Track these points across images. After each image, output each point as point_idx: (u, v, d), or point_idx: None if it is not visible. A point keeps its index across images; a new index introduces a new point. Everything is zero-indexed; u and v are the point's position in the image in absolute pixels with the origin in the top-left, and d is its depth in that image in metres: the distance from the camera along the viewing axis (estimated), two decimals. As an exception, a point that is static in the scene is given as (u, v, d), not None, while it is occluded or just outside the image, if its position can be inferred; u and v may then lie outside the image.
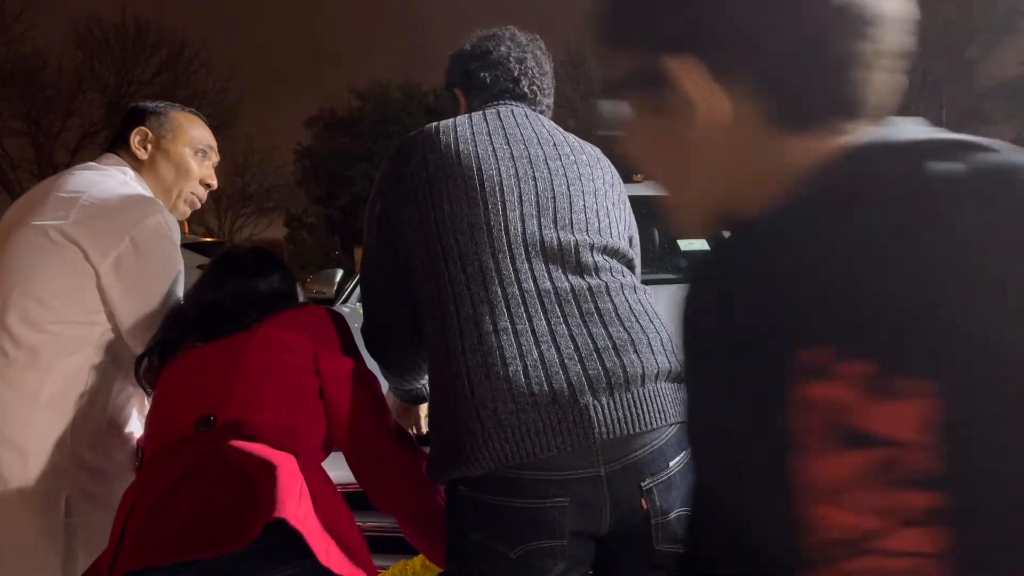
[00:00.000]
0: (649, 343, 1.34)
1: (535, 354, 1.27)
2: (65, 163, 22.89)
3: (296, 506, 1.23)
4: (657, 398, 1.31)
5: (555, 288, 1.33)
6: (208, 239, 19.50)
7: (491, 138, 1.43)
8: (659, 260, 3.79)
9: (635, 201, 4.68)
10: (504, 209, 1.36)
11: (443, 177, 1.38)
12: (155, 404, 1.50)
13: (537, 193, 1.39)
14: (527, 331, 1.29)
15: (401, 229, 1.42)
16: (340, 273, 4.05)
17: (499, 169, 1.39)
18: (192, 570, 1.16)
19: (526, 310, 1.30)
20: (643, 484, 1.29)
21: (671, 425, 1.33)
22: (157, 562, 1.17)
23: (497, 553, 1.28)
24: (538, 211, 1.38)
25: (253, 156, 33.74)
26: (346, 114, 32.63)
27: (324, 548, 1.22)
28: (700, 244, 3.60)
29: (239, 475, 1.27)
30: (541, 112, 1.63)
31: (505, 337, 1.28)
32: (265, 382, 1.43)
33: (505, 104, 1.56)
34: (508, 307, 1.30)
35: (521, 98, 1.59)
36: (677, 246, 3.81)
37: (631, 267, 1.52)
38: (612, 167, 1.59)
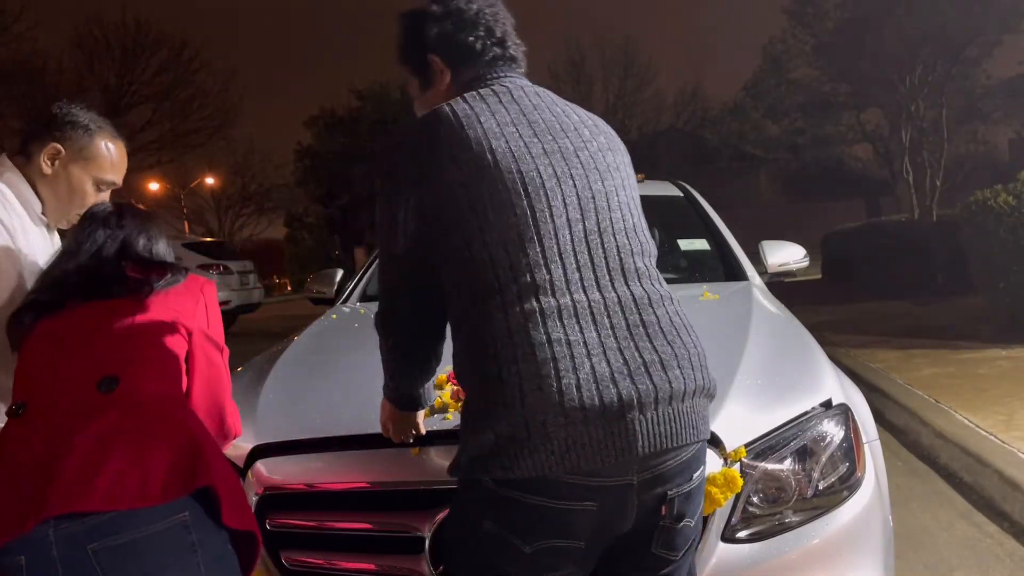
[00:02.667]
0: (689, 358, 1.34)
1: (587, 367, 1.25)
2: (65, 163, 22.88)
3: (218, 471, 1.41)
4: (692, 414, 1.33)
5: (604, 298, 1.31)
6: (208, 239, 19.51)
7: (518, 130, 1.36)
8: (659, 260, 3.78)
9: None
10: (551, 216, 1.32)
11: (480, 180, 1.30)
12: (33, 357, 1.54)
13: (578, 194, 1.35)
14: (580, 343, 1.27)
15: (432, 236, 1.35)
16: (340, 273, 4.05)
17: (538, 170, 1.33)
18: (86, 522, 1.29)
19: (578, 321, 1.28)
20: (669, 493, 1.31)
21: (700, 442, 1.36)
22: (90, 507, 1.29)
23: (511, 546, 1.27)
24: (582, 214, 1.35)
25: (253, 156, 33.78)
26: (346, 114, 32.60)
27: (231, 511, 1.40)
28: (700, 244, 3.59)
29: (175, 437, 1.41)
30: (521, 63, 1.54)
31: (558, 348, 1.26)
32: (160, 348, 1.55)
33: (505, 77, 1.47)
34: (561, 318, 1.28)
35: (512, 61, 1.51)
36: (677, 246, 3.80)
37: (655, 260, 1.50)
38: (612, 132, 1.53)
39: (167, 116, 25.85)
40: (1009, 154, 23.40)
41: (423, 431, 1.66)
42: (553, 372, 1.24)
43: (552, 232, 1.31)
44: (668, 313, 1.37)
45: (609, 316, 1.31)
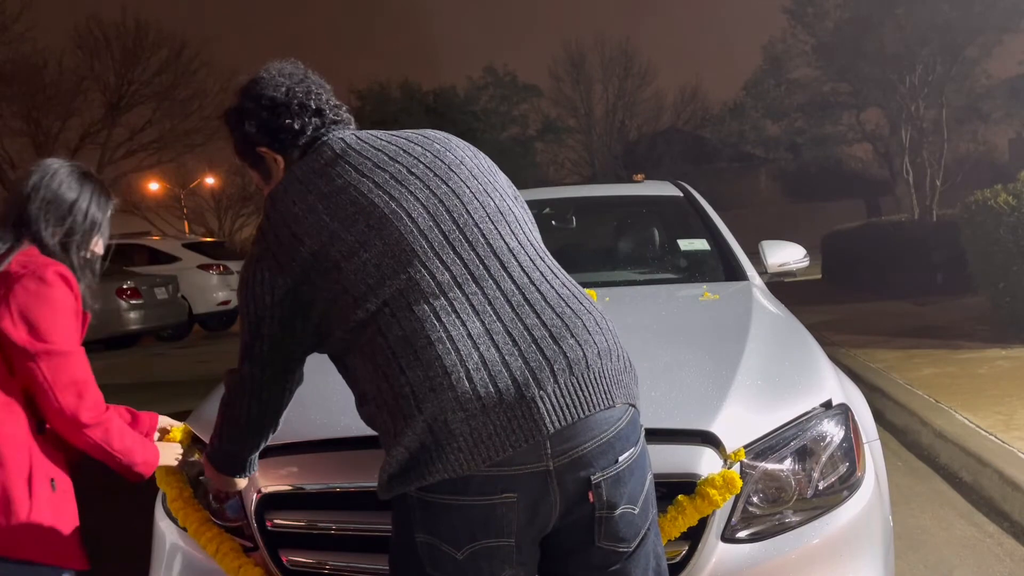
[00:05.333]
0: (584, 325, 1.34)
1: (475, 357, 1.26)
2: (65, 163, 22.85)
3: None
4: (602, 380, 1.32)
5: (481, 289, 1.32)
6: (208, 239, 19.49)
7: (346, 178, 1.40)
8: (659, 260, 3.79)
9: (635, 201, 4.65)
10: (401, 235, 1.34)
11: (327, 241, 1.35)
12: None
13: (423, 204, 1.37)
14: (463, 336, 1.28)
15: (301, 309, 1.38)
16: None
17: (374, 203, 1.36)
18: None
19: (458, 316, 1.29)
20: (593, 478, 1.29)
21: (616, 408, 1.32)
22: None
23: (444, 555, 1.28)
24: (434, 220, 1.36)
25: (253, 156, 33.66)
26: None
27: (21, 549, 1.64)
28: (700, 244, 3.59)
29: None
30: (347, 124, 1.56)
31: (441, 346, 1.27)
32: None
33: (325, 138, 1.49)
34: (439, 318, 1.29)
35: (334, 125, 1.53)
36: (677, 246, 3.80)
37: (533, 229, 1.49)
38: (448, 136, 1.54)
39: (167, 116, 25.80)
40: (1009, 154, 23.38)
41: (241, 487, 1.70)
42: (441, 370, 1.25)
43: (408, 249, 1.33)
44: (553, 287, 1.38)
45: (491, 303, 1.31)
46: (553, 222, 3.96)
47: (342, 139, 1.49)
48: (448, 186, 1.41)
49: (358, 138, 1.49)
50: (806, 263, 3.63)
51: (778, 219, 25.78)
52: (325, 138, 1.50)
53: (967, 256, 7.59)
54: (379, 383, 1.32)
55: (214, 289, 13.48)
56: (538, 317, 1.32)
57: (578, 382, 1.29)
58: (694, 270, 3.52)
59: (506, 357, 1.27)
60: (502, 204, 1.44)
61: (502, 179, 1.52)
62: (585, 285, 3.05)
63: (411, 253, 1.33)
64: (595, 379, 1.31)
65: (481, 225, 1.38)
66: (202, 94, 26.24)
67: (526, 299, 1.33)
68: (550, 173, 34.97)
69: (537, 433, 1.24)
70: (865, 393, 2.27)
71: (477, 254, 1.35)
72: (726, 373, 1.91)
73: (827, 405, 1.85)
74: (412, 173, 1.41)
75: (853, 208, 26.41)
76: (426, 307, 1.30)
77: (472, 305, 1.31)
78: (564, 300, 1.36)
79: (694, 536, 1.61)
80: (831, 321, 8.89)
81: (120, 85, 24.76)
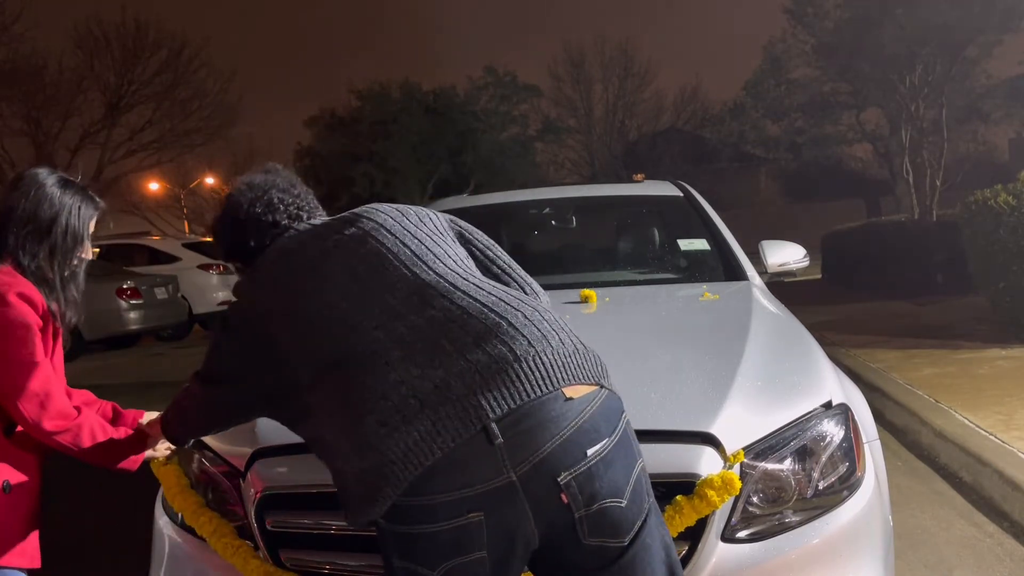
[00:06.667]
0: (510, 323, 1.37)
1: (392, 379, 1.34)
2: (65, 163, 22.87)
3: None
4: (539, 366, 1.33)
5: (397, 327, 1.41)
6: (208, 239, 19.48)
7: (286, 265, 1.62)
8: (659, 260, 3.79)
9: (634, 200, 4.64)
10: (329, 307, 1.50)
11: (270, 325, 1.54)
12: None
13: (352, 269, 1.53)
14: (376, 378, 1.35)
15: (263, 365, 1.55)
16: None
17: (308, 283, 1.54)
18: None
19: (377, 355, 1.38)
20: (560, 480, 1.28)
21: (574, 400, 1.33)
22: None
23: (421, 575, 1.32)
24: (379, 274, 1.50)
25: (253, 156, 33.68)
26: (346, 114, 32.54)
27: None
28: (700, 244, 3.60)
29: None
30: (310, 218, 1.76)
31: (364, 385, 1.35)
32: None
33: (270, 242, 1.70)
34: (363, 366, 1.38)
35: (289, 228, 1.72)
36: (677, 246, 3.80)
37: (460, 263, 1.59)
38: (379, 205, 1.70)
39: (167, 116, 25.79)
40: (1009, 154, 23.40)
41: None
42: (363, 403, 1.34)
43: (331, 320, 1.48)
44: (478, 300, 1.43)
45: (410, 332, 1.39)
46: (553, 222, 3.96)
47: (287, 238, 1.69)
48: (364, 249, 1.55)
49: (297, 232, 1.70)
50: (806, 263, 3.63)
51: (778, 219, 25.78)
52: (277, 239, 1.70)
53: (967, 256, 7.59)
54: (321, 435, 1.44)
55: (214, 289, 13.49)
56: (461, 330, 1.37)
57: (507, 375, 1.31)
58: (694, 270, 3.52)
59: (424, 371, 1.33)
60: (418, 248, 1.56)
61: (427, 226, 1.64)
62: (585, 285, 3.07)
63: (332, 321, 1.47)
64: (530, 367, 1.32)
65: (394, 273, 1.50)
66: (202, 94, 26.26)
67: (448, 319, 1.40)
68: (550, 173, 34.97)
69: (468, 424, 1.27)
70: (865, 393, 2.27)
71: (394, 297, 1.46)
72: (726, 374, 1.91)
73: (827, 405, 1.85)
74: (337, 247, 1.58)
75: (853, 208, 26.41)
76: (353, 364, 1.40)
77: (392, 340, 1.39)
78: (488, 308, 1.41)
79: (694, 536, 1.61)
80: (831, 321, 8.89)
81: (120, 85, 24.75)
